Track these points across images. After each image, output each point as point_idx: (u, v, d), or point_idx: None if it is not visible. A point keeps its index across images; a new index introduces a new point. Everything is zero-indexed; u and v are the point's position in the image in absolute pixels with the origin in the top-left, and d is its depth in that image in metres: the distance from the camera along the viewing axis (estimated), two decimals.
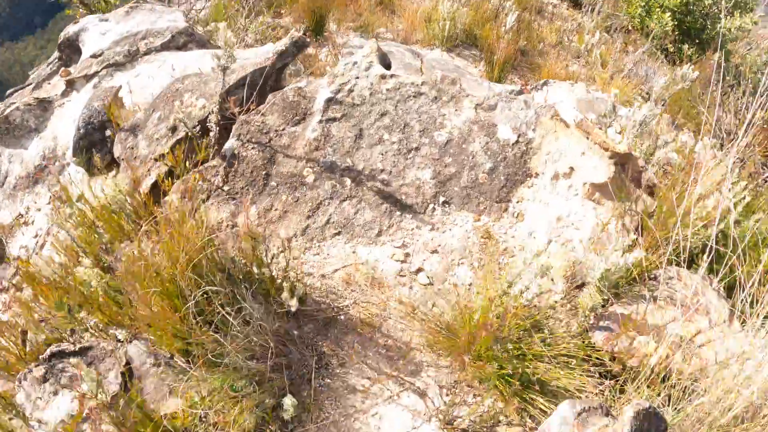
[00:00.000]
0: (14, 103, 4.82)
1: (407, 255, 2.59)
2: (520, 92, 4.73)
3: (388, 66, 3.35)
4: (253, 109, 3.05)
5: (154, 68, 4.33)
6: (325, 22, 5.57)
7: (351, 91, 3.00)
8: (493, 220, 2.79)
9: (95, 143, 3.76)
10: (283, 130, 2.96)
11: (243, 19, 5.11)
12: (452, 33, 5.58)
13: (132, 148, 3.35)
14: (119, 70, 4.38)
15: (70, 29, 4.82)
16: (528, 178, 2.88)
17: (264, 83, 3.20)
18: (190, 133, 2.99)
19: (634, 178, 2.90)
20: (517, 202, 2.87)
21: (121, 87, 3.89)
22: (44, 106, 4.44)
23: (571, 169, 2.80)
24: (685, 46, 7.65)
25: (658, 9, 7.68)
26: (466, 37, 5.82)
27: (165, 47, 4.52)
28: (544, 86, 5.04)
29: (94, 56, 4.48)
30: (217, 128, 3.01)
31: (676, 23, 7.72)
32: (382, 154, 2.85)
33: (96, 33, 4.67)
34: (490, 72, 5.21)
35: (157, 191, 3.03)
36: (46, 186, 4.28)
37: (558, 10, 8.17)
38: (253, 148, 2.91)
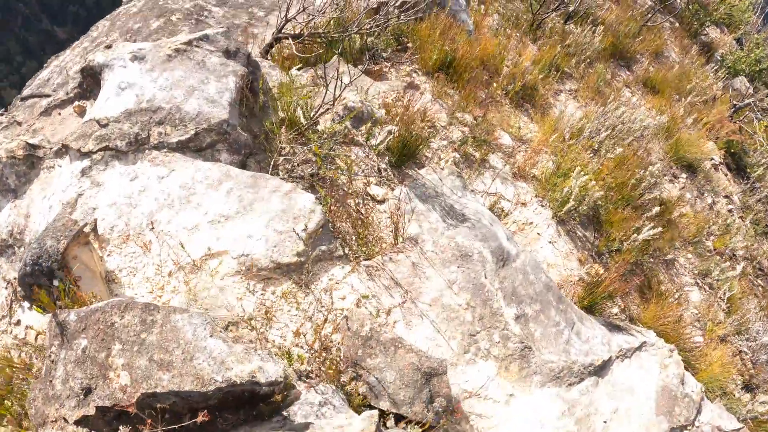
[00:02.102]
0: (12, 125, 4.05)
1: None
2: (602, 367, 3.42)
3: None
4: None
5: (153, 179, 3.36)
6: (424, 145, 4.18)
7: None
8: None
9: (41, 286, 3.00)
10: None
11: (311, 111, 3.86)
12: (573, 207, 4.12)
13: (53, 362, 2.56)
14: (118, 159, 3.45)
15: (96, 59, 3.84)
16: None
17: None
18: None
19: None
20: None
21: (86, 225, 3.01)
22: (32, 161, 3.64)
23: None
24: None
25: None
26: (590, 208, 4.31)
27: (182, 147, 3.49)
28: (637, 351, 3.67)
29: (98, 123, 3.54)
30: None
31: None
32: None
33: (115, 82, 3.67)
34: (589, 292, 3.84)
35: None
36: (5, 263, 3.62)
37: (716, 175, 6.17)
38: None
